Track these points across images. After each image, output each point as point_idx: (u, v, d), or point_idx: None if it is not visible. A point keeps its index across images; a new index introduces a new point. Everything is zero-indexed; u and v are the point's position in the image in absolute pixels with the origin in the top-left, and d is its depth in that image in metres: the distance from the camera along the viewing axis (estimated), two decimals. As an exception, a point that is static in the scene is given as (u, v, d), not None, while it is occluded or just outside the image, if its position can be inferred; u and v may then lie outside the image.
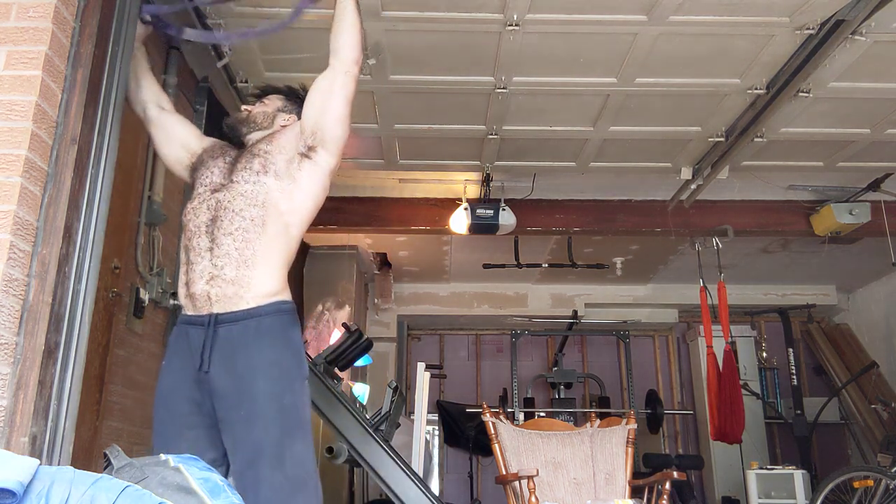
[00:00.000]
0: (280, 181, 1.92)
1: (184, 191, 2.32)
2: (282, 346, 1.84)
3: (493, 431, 3.36)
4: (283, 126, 2.14)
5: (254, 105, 2.25)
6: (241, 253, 1.82)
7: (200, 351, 1.80)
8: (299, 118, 2.10)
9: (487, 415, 3.42)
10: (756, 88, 3.77)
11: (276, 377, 1.80)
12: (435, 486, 6.63)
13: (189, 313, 1.89)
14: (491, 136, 4.31)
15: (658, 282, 7.71)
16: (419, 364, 4.80)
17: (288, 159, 1.97)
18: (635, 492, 3.27)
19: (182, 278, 1.91)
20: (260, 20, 3.24)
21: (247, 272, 1.82)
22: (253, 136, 2.15)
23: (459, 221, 5.06)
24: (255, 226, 1.85)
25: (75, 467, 1.59)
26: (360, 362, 5.17)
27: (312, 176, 1.97)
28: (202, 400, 1.84)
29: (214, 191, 1.93)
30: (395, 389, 4.07)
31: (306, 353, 3.93)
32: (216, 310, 1.82)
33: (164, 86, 3.30)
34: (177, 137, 2.17)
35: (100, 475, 1.55)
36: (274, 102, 2.23)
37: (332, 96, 1.99)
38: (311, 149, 1.99)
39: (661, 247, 6.48)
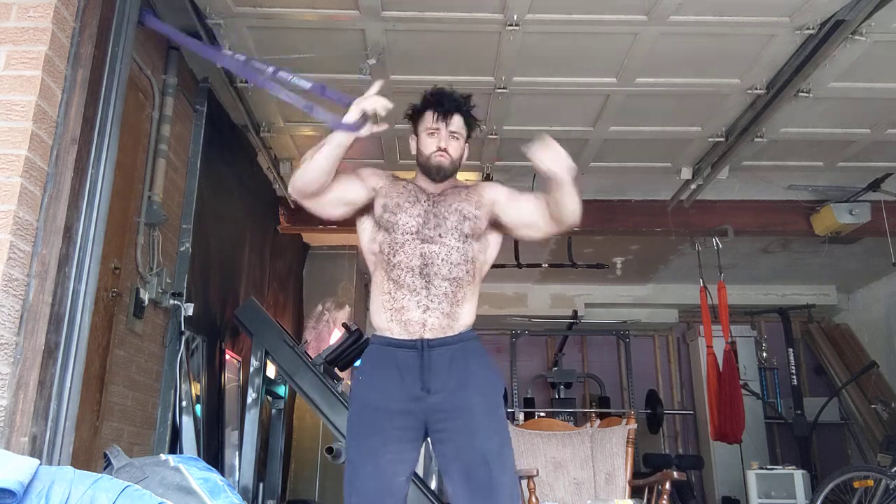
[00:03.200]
0: (480, 242, 2.18)
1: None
2: (487, 364, 2.10)
3: (493, 431, 3.35)
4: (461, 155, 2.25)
5: None
6: (455, 295, 2.07)
7: (419, 372, 2.01)
8: (467, 137, 2.23)
9: (487, 415, 3.41)
10: (756, 88, 3.77)
11: (489, 391, 2.06)
12: (435, 485, 6.62)
13: (395, 336, 2.06)
14: (491, 136, 4.31)
15: (658, 282, 7.71)
16: (419, 364, 4.80)
17: (487, 223, 2.19)
18: (635, 492, 3.27)
19: (386, 304, 2.08)
20: (259, 20, 3.24)
21: (458, 309, 2.07)
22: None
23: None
24: (468, 275, 2.11)
25: (75, 467, 1.59)
26: (360, 362, 5.18)
27: (497, 238, 2.24)
28: (416, 416, 2.01)
29: (423, 241, 2.08)
30: (395, 389, 4.06)
31: (306, 354, 3.95)
32: (427, 336, 2.03)
33: (165, 86, 3.32)
34: (338, 201, 2.19)
35: (100, 475, 1.55)
36: None
37: (537, 221, 2.15)
38: (497, 222, 2.21)
39: (661, 247, 6.48)
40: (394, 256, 2.08)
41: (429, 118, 2.18)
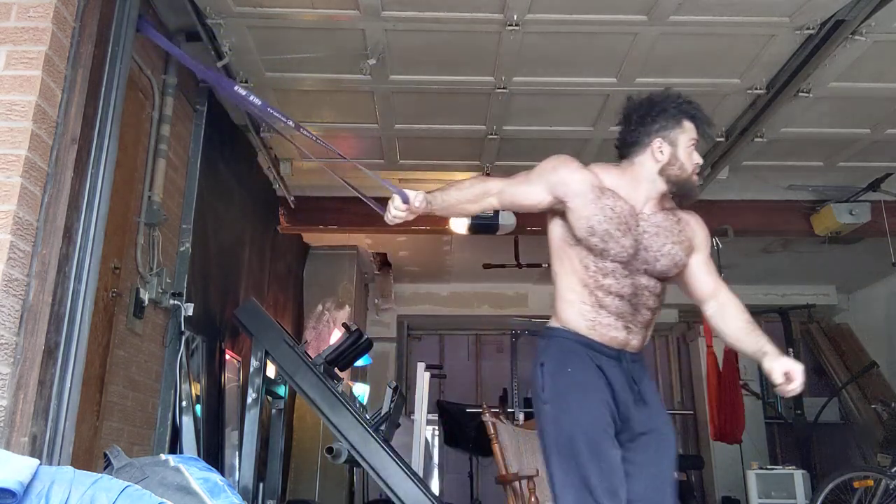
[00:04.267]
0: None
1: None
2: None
3: (493, 431, 3.36)
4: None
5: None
6: (650, 323, 2.11)
7: (624, 380, 2.02)
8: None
9: (487, 415, 3.42)
10: (756, 88, 3.77)
11: (663, 406, 2.15)
12: (435, 486, 6.63)
13: (595, 339, 2.03)
14: (491, 137, 4.31)
15: (658, 282, 7.69)
16: (419, 364, 4.80)
17: None
18: (635, 492, 3.27)
19: (587, 314, 2.04)
20: (260, 20, 3.24)
21: (647, 333, 2.12)
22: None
23: (459, 221, 5.06)
24: (661, 305, 2.14)
25: (75, 467, 1.59)
26: (360, 362, 5.18)
27: None
28: (616, 420, 2.00)
29: (632, 272, 2.04)
30: (395, 389, 4.07)
31: (306, 354, 3.95)
32: (627, 350, 2.06)
33: (165, 86, 3.31)
34: (519, 209, 2.22)
35: (100, 475, 1.55)
36: None
37: (693, 295, 2.22)
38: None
39: (661, 247, 6.46)
40: (603, 278, 2.02)
41: (692, 131, 2.10)
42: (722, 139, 4.34)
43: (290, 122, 2.69)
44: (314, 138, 2.73)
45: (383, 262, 7.17)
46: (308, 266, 6.44)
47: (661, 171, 2.09)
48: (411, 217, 2.12)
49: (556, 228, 2.12)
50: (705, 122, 2.13)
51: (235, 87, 2.72)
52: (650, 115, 2.11)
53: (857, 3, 3.06)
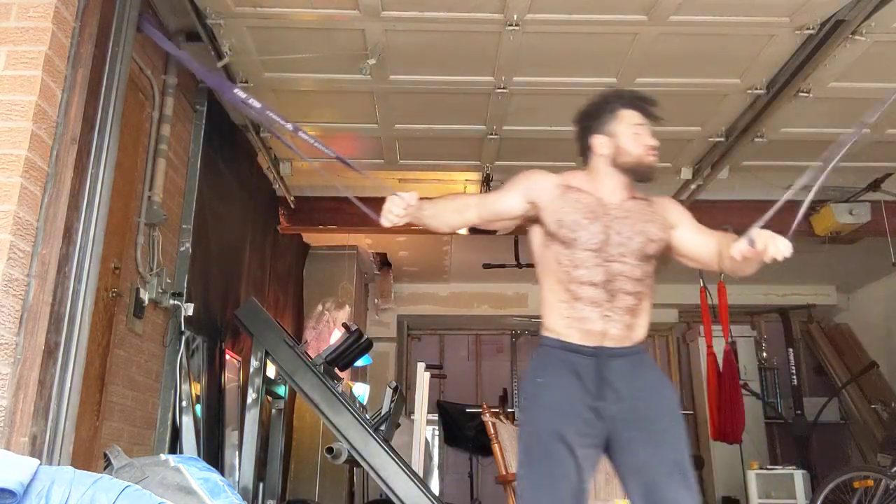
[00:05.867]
0: (655, 262, 2.19)
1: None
2: (663, 375, 2.16)
3: (493, 431, 3.36)
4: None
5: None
6: (636, 308, 2.08)
7: (597, 380, 1.99)
8: None
9: (487, 415, 3.42)
10: (756, 88, 3.77)
11: (670, 402, 2.07)
12: (435, 486, 6.63)
13: (573, 342, 2.04)
14: (491, 137, 4.31)
15: (658, 282, 7.63)
16: (419, 364, 4.80)
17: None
18: (635, 492, 3.26)
19: (564, 312, 2.07)
20: (259, 20, 3.24)
21: (637, 321, 2.09)
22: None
23: (459, 221, 5.05)
24: (648, 289, 2.13)
25: (75, 467, 1.60)
26: (360, 362, 5.18)
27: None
28: (597, 424, 1.98)
29: (606, 260, 2.06)
30: (395, 389, 4.07)
31: (306, 354, 3.94)
32: (607, 344, 2.03)
33: (165, 86, 3.32)
34: (491, 222, 2.24)
35: (100, 475, 1.56)
36: None
37: (706, 261, 2.22)
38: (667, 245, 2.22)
39: (661, 247, 6.46)
40: (574, 270, 2.05)
41: (632, 117, 2.16)
42: (722, 139, 4.35)
43: (290, 126, 2.69)
44: (312, 141, 2.75)
45: (383, 262, 7.18)
46: (308, 266, 6.44)
47: (613, 163, 2.16)
48: (406, 220, 2.14)
49: (535, 237, 2.18)
50: (641, 102, 2.18)
51: (235, 90, 2.73)
52: (585, 119, 2.23)
53: (857, 3, 3.06)
